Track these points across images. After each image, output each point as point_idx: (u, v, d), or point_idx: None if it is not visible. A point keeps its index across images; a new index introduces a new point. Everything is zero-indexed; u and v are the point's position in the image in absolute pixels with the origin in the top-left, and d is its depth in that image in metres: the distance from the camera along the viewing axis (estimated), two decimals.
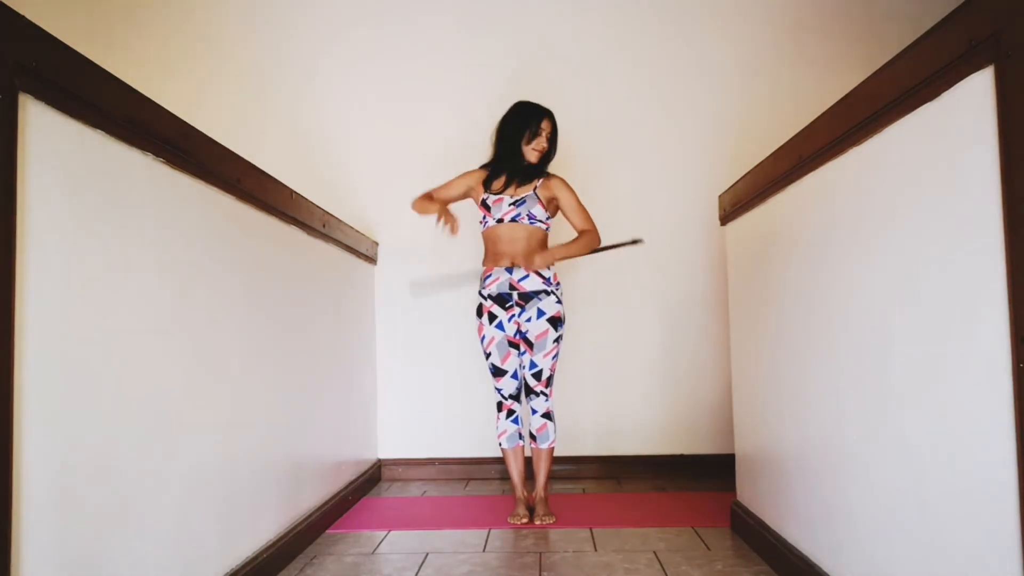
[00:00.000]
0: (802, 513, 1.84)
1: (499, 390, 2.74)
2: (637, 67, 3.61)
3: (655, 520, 2.58)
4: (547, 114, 2.72)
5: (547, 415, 2.71)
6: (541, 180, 2.73)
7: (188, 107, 1.95)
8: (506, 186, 2.72)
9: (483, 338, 2.73)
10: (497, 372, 2.71)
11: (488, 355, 2.72)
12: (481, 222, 2.76)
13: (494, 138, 2.79)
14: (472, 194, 2.79)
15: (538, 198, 2.69)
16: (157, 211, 1.48)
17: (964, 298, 1.12)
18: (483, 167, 2.81)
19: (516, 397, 2.75)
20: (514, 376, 2.72)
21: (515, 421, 2.74)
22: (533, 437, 2.73)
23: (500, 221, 2.69)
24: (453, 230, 2.64)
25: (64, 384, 1.18)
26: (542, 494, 2.71)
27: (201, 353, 1.66)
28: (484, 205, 2.73)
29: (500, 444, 2.75)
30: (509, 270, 2.68)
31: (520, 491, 2.74)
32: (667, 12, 3.61)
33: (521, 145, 2.70)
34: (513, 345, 2.71)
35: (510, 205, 2.69)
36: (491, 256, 2.73)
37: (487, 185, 2.75)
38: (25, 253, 1.08)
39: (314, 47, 3.66)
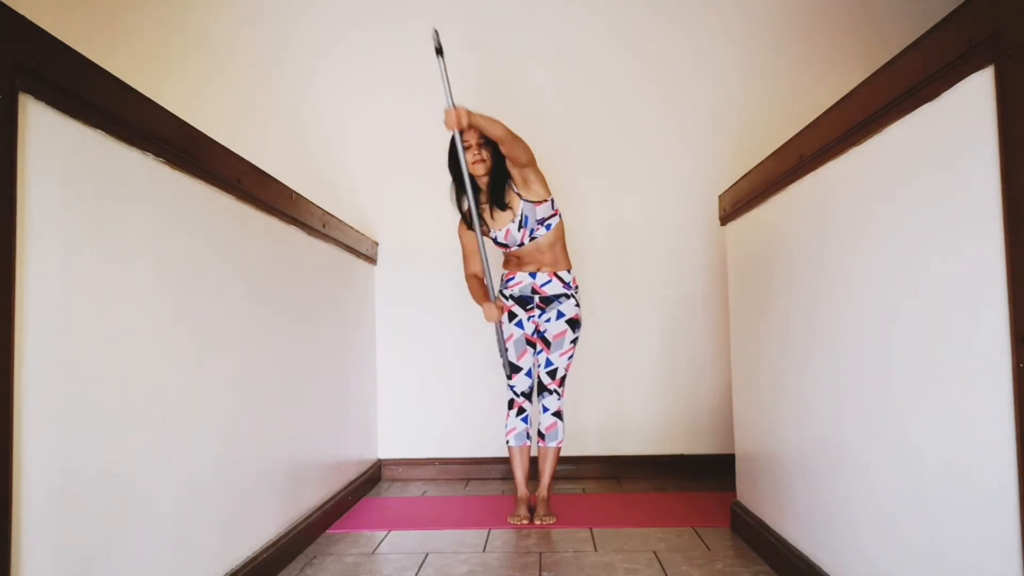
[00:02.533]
0: (802, 513, 1.84)
1: (512, 387, 2.75)
2: (637, 67, 3.61)
3: (655, 520, 2.58)
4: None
5: (557, 414, 2.72)
6: (509, 182, 2.59)
7: (188, 107, 1.95)
8: (494, 214, 2.64)
9: None
10: (513, 369, 2.74)
11: (505, 351, 2.75)
12: (504, 251, 2.73)
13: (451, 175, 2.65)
14: (477, 237, 2.66)
15: (528, 201, 2.58)
16: (157, 211, 1.48)
17: (964, 298, 1.12)
18: (461, 212, 2.69)
19: (528, 396, 2.76)
20: (528, 374, 2.74)
21: (525, 420, 2.75)
22: (541, 436, 2.74)
23: (522, 245, 2.66)
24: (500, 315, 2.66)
25: (64, 384, 1.18)
26: (544, 494, 2.71)
27: (201, 353, 1.66)
28: (498, 243, 2.70)
29: (507, 442, 2.76)
30: (532, 275, 2.71)
31: (522, 491, 2.74)
32: (668, 12, 3.61)
33: (464, 162, 2.53)
34: (529, 343, 2.74)
35: (519, 230, 2.62)
36: (514, 263, 2.74)
37: (481, 222, 2.63)
38: (25, 253, 1.08)
39: (314, 47, 3.66)
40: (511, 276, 2.74)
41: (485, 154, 2.56)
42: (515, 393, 2.75)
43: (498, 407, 3.34)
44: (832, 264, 1.62)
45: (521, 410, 2.74)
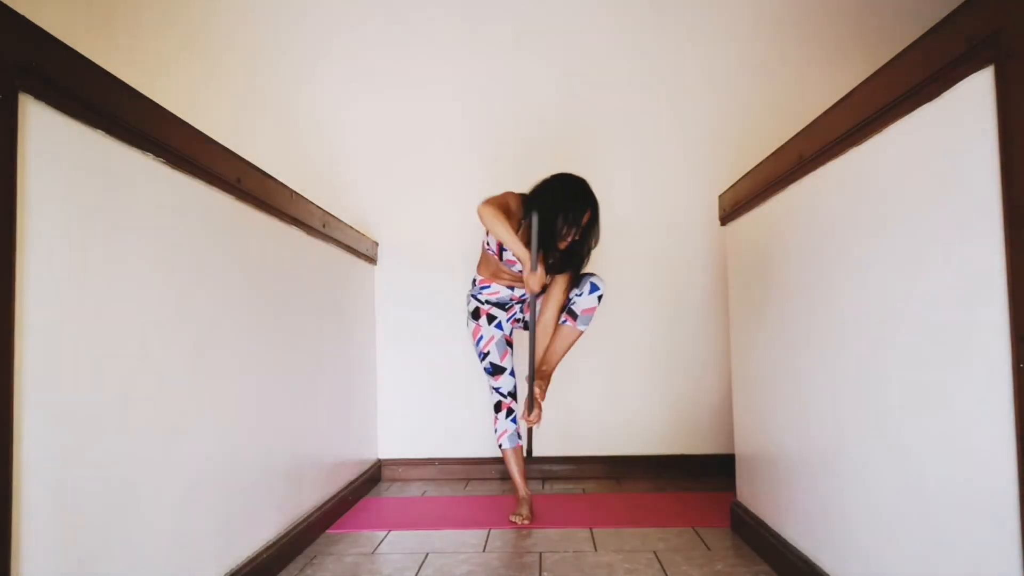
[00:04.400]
0: (802, 513, 1.84)
1: (497, 389, 2.75)
2: (637, 66, 3.61)
3: (655, 520, 2.58)
4: (590, 207, 2.54)
5: (600, 297, 2.66)
6: (570, 275, 2.66)
7: (188, 106, 1.95)
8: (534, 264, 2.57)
9: (480, 339, 2.76)
10: (496, 370, 2.73)
11: (486, 354, 2.74)
12: (487, 245, 2.70)
13: (534, 196, 2.56)
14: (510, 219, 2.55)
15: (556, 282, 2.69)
16: (157, 211, 1.48)
17: (964, 298, 1.12)
18: (522, 207, 2.58)
19: (514, 395, 2.76)
20: (512, 374, 2.75)
21: (514, 420, 2.74)
22: (573, 315, 2.66)
23: (515, 271, 2.71)
24: (533, 420, 2.65)
25: (64, 384, 1.18)
26: (554, 363, 2.71)
27: (201, 352, 1.66)
28: (503, 254, 2.66)
29: (500, 445, 2.75)
30: (511, 288, 2.75)
31: (522, 490, 2.72)
32: (667, 10, 3.61)
33: (556, 234, 2.52)
34: (508, 344, 2.78)
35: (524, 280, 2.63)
36: (492, 274, 2.75)
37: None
38: (25, 253, 1.08)
39: (314, 46, 3.66)
40: (487, 284, 2.75)
41: (575, 234, 2.55)
42: (501, 395, 2.74)
43: None
44: (831, 264, 1.62)
45: (509, 411, 2.74)
